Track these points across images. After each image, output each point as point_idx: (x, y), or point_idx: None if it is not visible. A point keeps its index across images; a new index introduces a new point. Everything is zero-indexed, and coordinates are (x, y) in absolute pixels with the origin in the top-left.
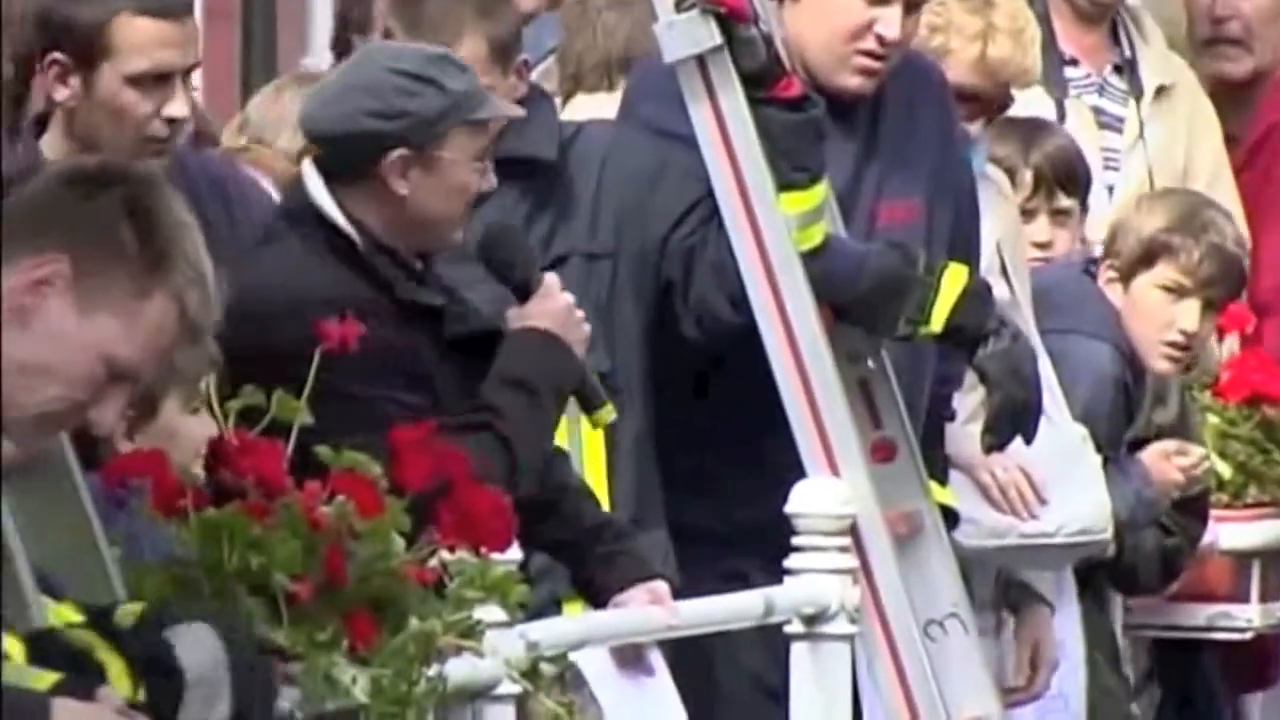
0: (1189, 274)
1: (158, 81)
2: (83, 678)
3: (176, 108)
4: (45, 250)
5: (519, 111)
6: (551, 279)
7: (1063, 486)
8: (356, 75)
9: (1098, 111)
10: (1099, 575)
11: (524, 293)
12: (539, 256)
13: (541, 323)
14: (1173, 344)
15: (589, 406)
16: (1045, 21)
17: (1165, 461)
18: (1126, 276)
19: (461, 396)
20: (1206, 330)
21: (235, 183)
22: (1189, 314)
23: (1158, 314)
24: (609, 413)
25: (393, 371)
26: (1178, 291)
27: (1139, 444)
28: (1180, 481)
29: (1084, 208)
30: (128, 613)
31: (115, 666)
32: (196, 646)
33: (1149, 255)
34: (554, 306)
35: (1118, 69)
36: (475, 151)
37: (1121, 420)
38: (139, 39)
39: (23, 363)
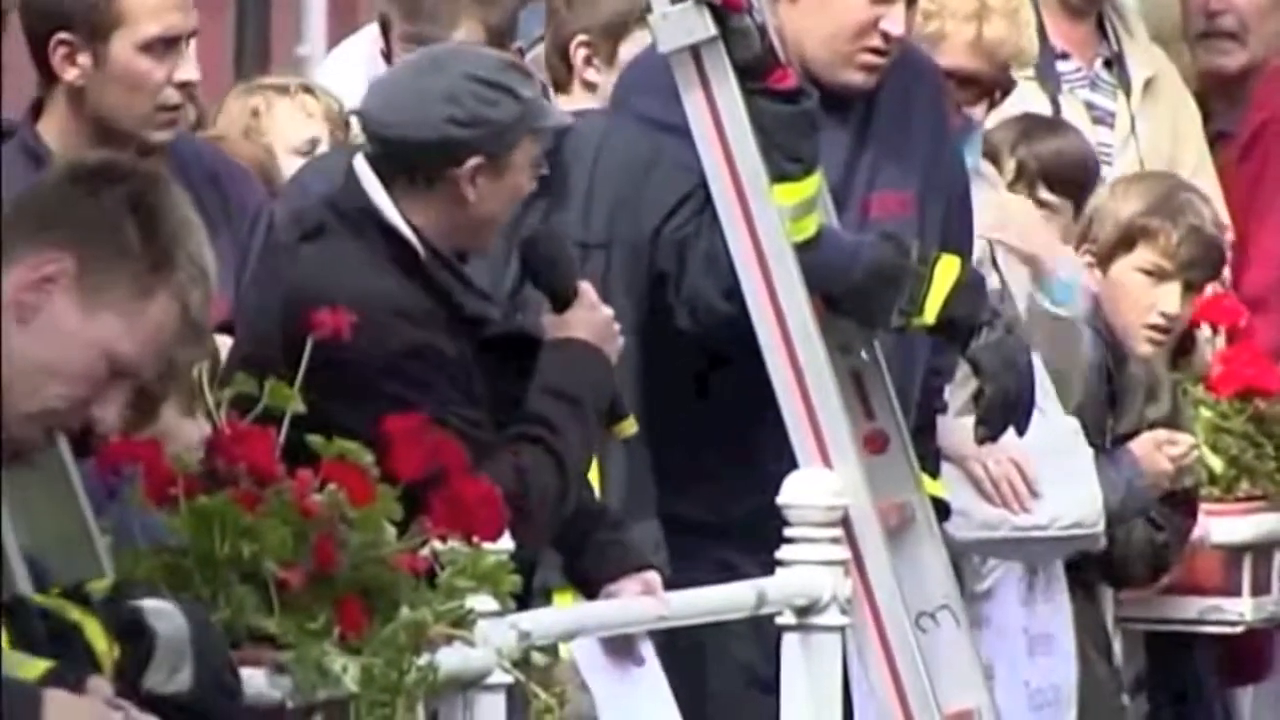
0: (1169, 256)
1: (167, 46)
2: (72, 665)
3: (187, 71)
4: (50, 248)
5: (571, 119)
6: (587, 289)
7: (1056, 479)
8: (433, 81)
9: (1089, 106)
10: (1089, 568)
11: (560, 299)
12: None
13: (581, 333)
14: (1154, 326)
15: (614, 419)
16: (1037, 15)
17: (1156, 451)
18: (1105, 261)
19: (491, 397)
20: (1187, 312)
21: (229, 173)
22: (1170, 296)
23: (1138, 297)
24: (631, 425)
25: (449, 382)
26: (1158, 274)
27: (1133, 437)
28: (1170, 471)
29: (1078, 209)
30: (99, 587)
31: (91, 625)
32: (162, 617)
33: (1128, 239)
34: (594, 318)
35: (1107, 63)
36: (535, 157)
37: (1104, 405)
38: (148, 4)
39: (25, 360)
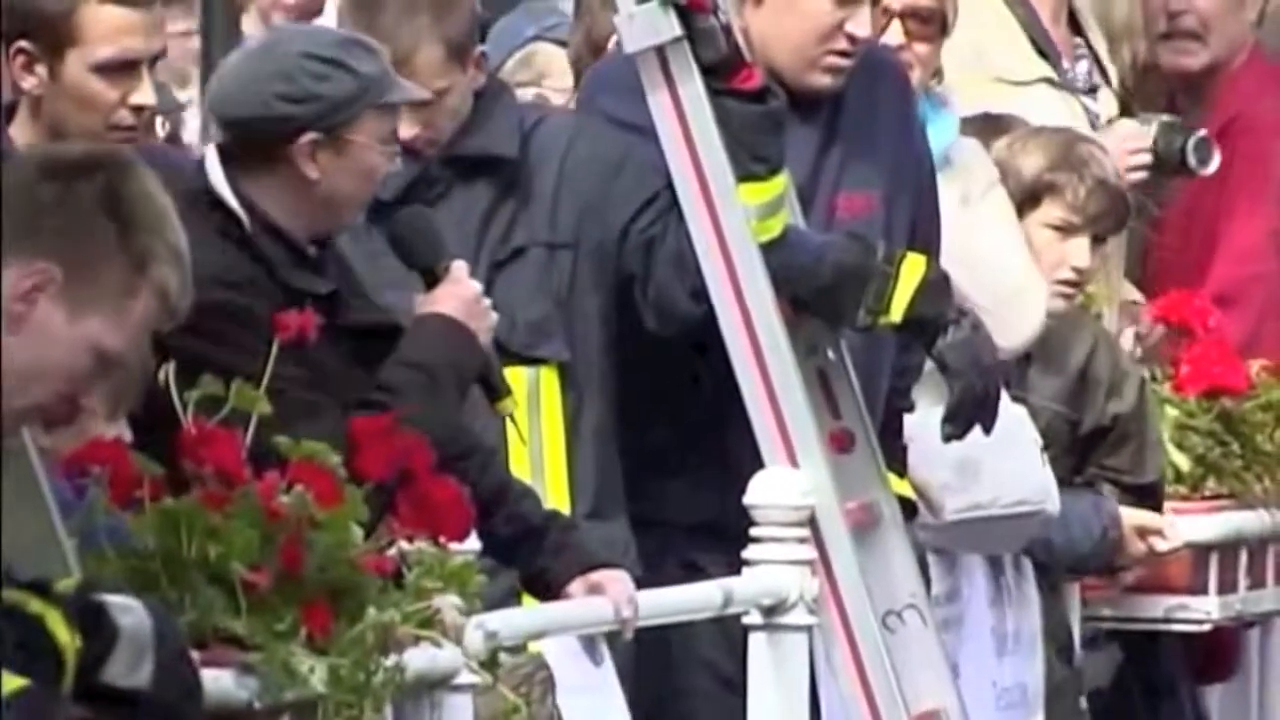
0: (1077, 211)
1: (124, 69)
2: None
3: (143, 95)
4: (34, 257)
5: (422, 93)
6: (460, 266)
7: (996, 462)
8: (266, 59)
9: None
10: (1054, 568)
11: (431, 278)
12: (499, 245)
13: (447, 309)
14: (1065, 281)
15: (492, 395)
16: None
17: (1137, 538)
18: None
19: (353, 386)
20: (1096, 265)
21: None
22: (1079, 251)
23: (1048, 253)
24: (511, 403)
25: (257, 340)
26: (1066, 229)
27: (1096, 434)
28: (1141, 556)
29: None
30: (65, 585)
31: (52, 616)
32: (125, 611)
33: (1033, 195)
34: (460, 293)
35: (1086, 60)
36: (384, 135)
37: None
38: (105, 27)
39: (18, 367)
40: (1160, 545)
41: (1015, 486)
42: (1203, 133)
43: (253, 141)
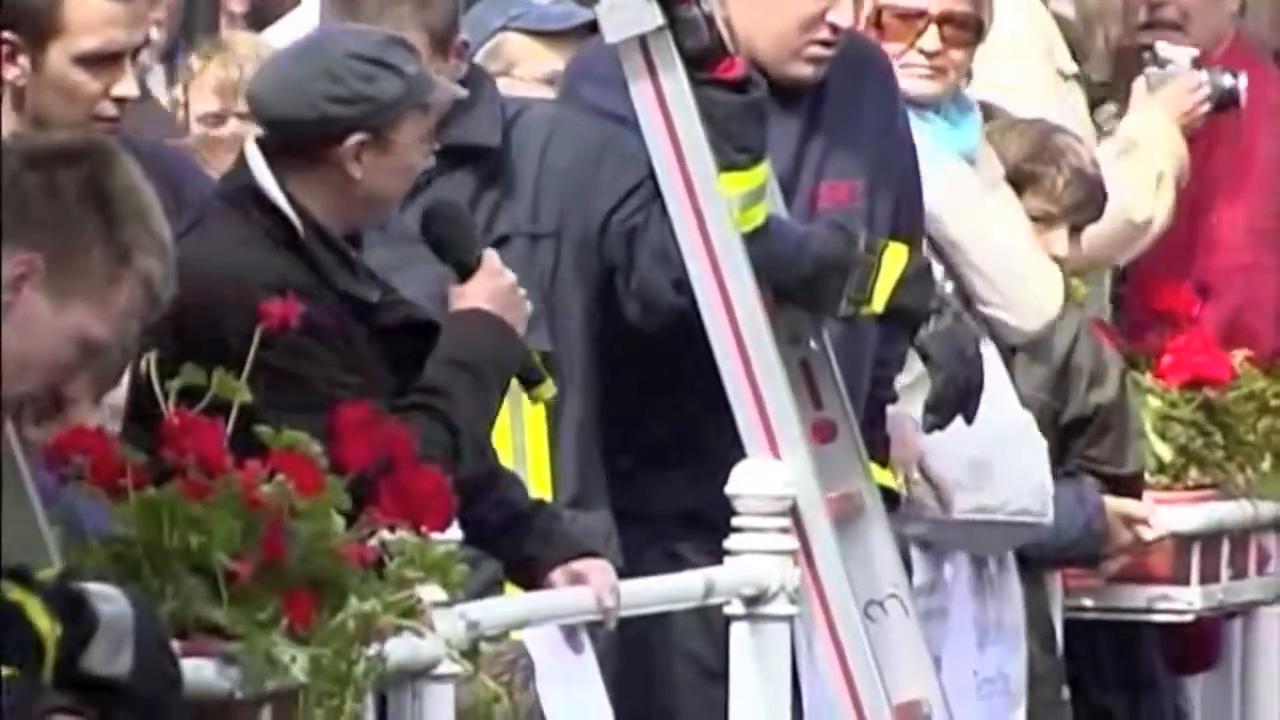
0: (1055, 201)
1: (107, 61)
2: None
3: (125, 87)
4: (18, 247)
5: (462, 92)
6: (492, 256)
7: (1009, 466)
8: (312, 59)
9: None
10: (1035, 558)
11: (464, 270)
12: (482, 235)
13: (482, 302)
14: None
15: (529, 384)
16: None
17: (1123, 527)
18: None
19: (394, 386)
20: (1074, 254)
21: (188, 175)
22: (1058, 242)
23: None
24: (549, 389)
25: (330, 351)
26: (1045, 220)
27: (1078, 424)
28: (1126, 544)
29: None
30: (46, 574)
31: (32, 604)
32: (105, 599)
33: (1013, 185)
34: (496, 285)
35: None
36: (424, 133)
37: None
38: (89, 18)
39: (5, 358)
40: (1146, 534)
41: (1023, 494)
42: (1232, 72)
43: (296, 142)
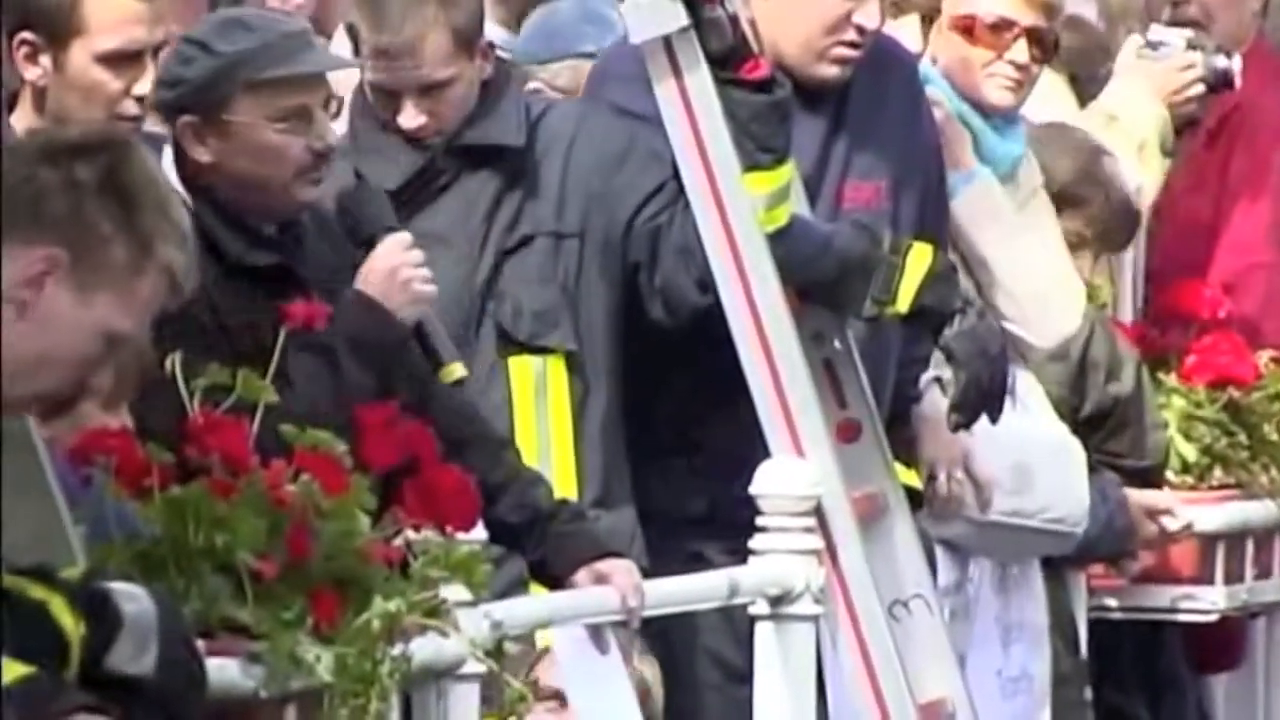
0: (1092, 225)
1: (128, 59)
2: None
3: (146, 85)
4: (39, 242)
5: (352, 62)
6: (391, 239)
7: (1051, 475)
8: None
9: None
10: (1058, 559)
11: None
12: (505, 234)
13: (363, 283)
14: None
15: (434, 364)
16: None
17: (1148, 519)
18: None
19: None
20: (1096, 279)
21: None
22: (1084, 266)
23: None
24: (452, 371)
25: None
26: (1077, 242)
27: (1096, 418)
28: (1153, 538)
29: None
30: (70, 573)
31: (56, 602)
32: (130, 598)
33: (1056, 203)
34: (378, 266)
35: None
36: (272, 111)
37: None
38: (110, 17)
39: (27, 354)
40: (1170, 524)
41: (1061, 504)
42: (1226, 53)
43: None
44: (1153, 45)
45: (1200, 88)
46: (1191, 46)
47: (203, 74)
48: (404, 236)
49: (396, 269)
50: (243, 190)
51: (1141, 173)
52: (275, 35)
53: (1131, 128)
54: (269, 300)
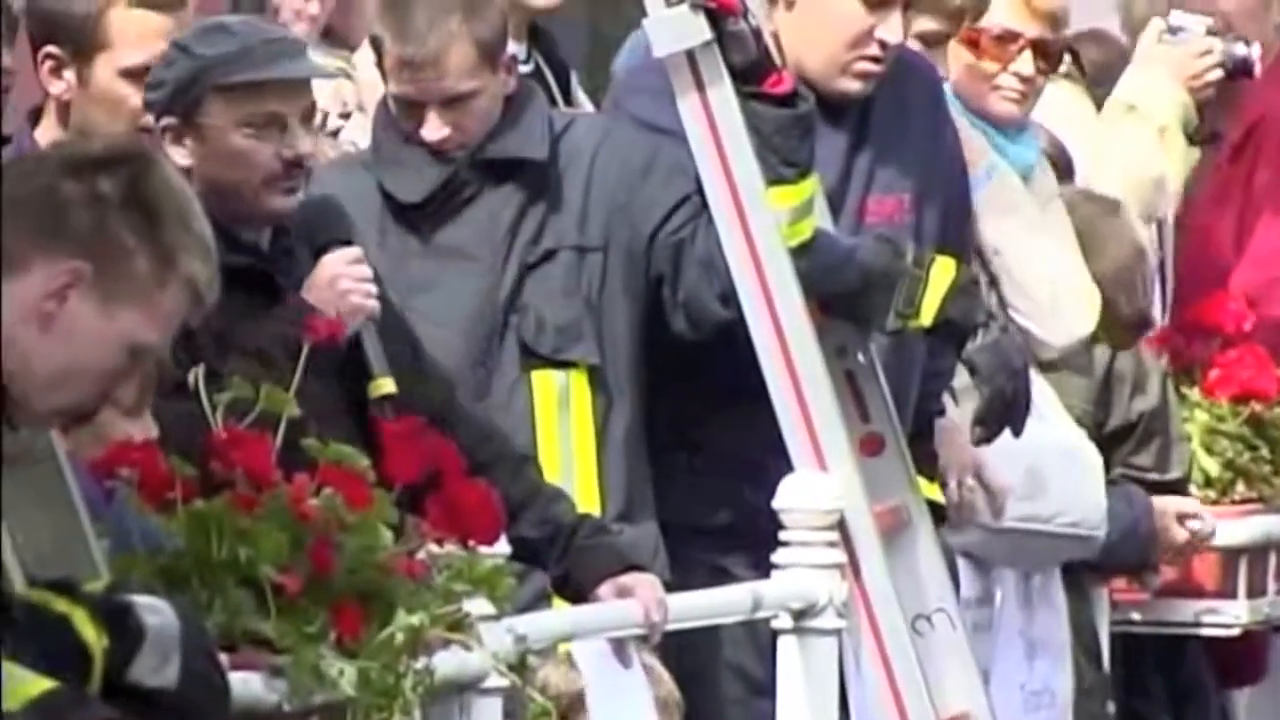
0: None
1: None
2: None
3: None
4: (62, 255)
5: (330, 69)
6: (338, 254)
7: (1065, 480)
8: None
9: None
10: (1081, 572)
11: None
12: (529, 249)
13: (308, 293)
14: None
15: (370, 377)
16: None
17: (1176, 524)
18: None
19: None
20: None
21: None
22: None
23: None
24: (380, 385)
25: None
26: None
27: (1122, 432)
28: (1180, 544)
29: None
30: (93, 585)
31: (79, 615)
32: (152, 611)
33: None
34: (319, 276)
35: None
36: (241, 116)
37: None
38: (133, 31)
39: (50, 369)
40: (1198, 527)
41: (1076, 508)
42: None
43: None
44: (1173, 30)
45: (1219, 73)
46: (1211, 33)
47: (180, 76)
48: (352, 251)
49: (337, 278)
50: (218, 195)
51: (1164, 160)
52: (256, 41)
53: (1151, 113)
54: (248, 306)
